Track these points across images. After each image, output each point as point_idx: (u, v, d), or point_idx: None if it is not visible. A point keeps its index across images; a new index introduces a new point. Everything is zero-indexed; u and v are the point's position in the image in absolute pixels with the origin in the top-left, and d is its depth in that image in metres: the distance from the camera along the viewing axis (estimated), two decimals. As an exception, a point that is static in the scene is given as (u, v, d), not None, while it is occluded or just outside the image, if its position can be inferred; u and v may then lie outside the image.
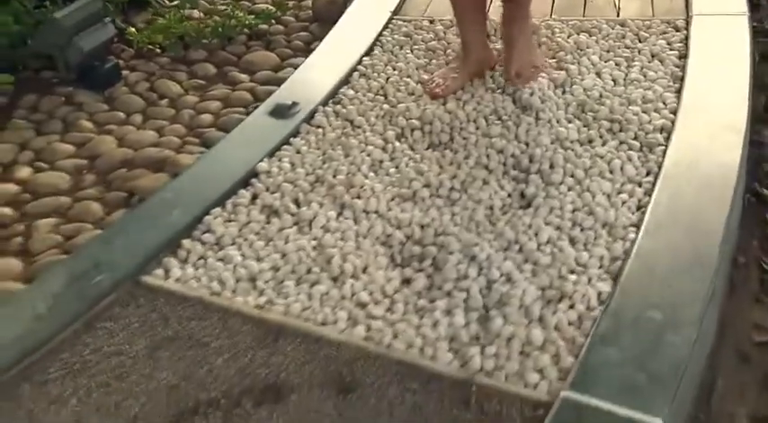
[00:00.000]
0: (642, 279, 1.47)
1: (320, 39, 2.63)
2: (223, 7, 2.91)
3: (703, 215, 1.59)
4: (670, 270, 1.47)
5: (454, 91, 2.14)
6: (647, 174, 1.79)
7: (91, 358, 1.50)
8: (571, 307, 1.48)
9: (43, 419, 1.37)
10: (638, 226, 1.63)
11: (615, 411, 1.23)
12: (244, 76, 2.64)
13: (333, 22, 2.75)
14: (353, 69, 2.31)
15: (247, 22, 2.77)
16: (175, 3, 2.87)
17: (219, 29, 2.74)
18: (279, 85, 2.35)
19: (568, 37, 2.32)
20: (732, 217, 1.61)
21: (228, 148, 2.05)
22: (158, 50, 2.80)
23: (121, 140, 2.33)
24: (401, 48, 2.42)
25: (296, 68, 2.45)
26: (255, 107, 2.30)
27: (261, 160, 1.97)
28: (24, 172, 2.20)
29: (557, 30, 2.37)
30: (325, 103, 2.19)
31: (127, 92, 2.58)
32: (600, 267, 1.55)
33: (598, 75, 2.17)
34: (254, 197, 1.87)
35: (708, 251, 1.50)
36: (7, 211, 2.05)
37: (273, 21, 2.89)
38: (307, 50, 2.70)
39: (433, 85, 2.17)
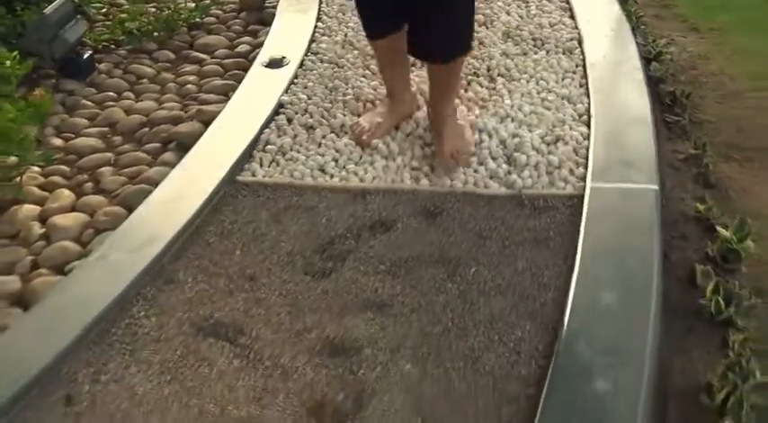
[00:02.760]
0: (606, 115, 2.16)
1: (254, 23, 3.16)
2: (163, 3, 3.34)
3: (622, 76, 2.34)
4: (616, 98, 2.18)
5: (380, 136, 2.18)
6: (577, 66, 2.51)
7: (232, 226, 1.95)
8: (566, 144, 2.14)
9: (220, 263, 1.81)
10: (587, 94, 2.33)
11: (638, 185, 1.88)
12: (205, 56, 3.08)
13: (258, 8, 3.28)
14: (314, 31, 2.84)
15: (186, 15, 3.23)
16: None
17: (164, 22, 3.17)
18: (245, 58, 2.84)
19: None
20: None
21: (247, 94, 2.52)
22: (113, 46, 3.17)
23: (128, 111, 2.70)
24: (344, 14, 2.99)
25: (256, 39, 2.96)
26: (232, 74, 2.79)
27: (281, 96, 2.46)
28: (57, 141, 2.51)
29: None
30: (306, 53, 2.71)
31: (106, 78, 2.94)
32: (573, 120, 2.23)
33: (508, 13, 2.87)
34: (290, 120, 2.37)
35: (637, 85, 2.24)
36: (63, 167, 2.38)
37: (204, 15, 3.36)
38: (247, 33, 3.20)
39: (358, 130, 2.21)
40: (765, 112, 2.55)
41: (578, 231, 1.79)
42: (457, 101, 2.28)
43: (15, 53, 2.24)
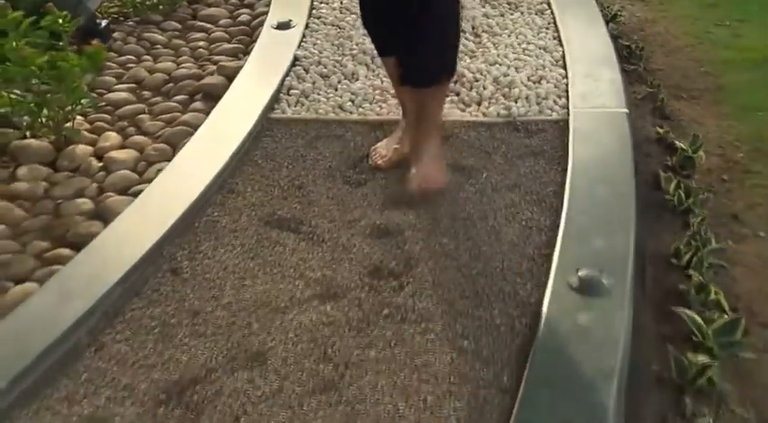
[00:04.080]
0: (579, 60, 2.61)
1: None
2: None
3: (589, 31, 2.79)
4: (585, 47, 2.63)
5: (396, 162, 2.19)
6: (549, 23, 2.96)
7: (275, 151, 2.33)
8: (548, 82, 2.58)
9: (271, 177, 2.17)
10: (560, 45, 2.78)
11: (611, 109, 2.33)
12: (210, 25, 3.44)
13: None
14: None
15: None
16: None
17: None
18: (247, 26, 3.22)
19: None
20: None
21: (263, 51, 2.89)
22: (121, 18, 3.51)
23: (150, 70, 3.04)
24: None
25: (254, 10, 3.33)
26: (239, 39, 3.16)
27: (296, 51, 2.85)
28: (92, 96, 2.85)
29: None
30: (309, 17, 3.11)
31: (122, 45, 3.27)
32: (552, 64, 2.68)
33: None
34: (306, 70, 2.76)
35: (602, 38, 2.70)
36: (105, 115, 2.72)
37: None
38: (245, 5, 3.55)
39: (376, 156, 2.23)
40: (705, 63, 3.05)
41: (567, 145, 2.22)
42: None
43: (65, 12, 2.56)
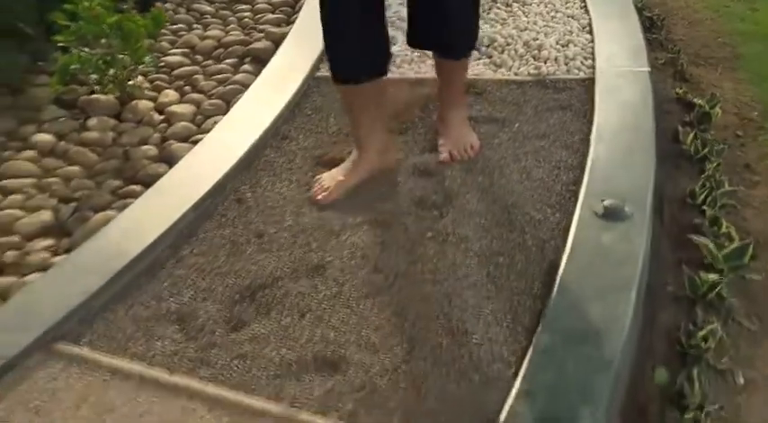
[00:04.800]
0: (604, 27, 2.82)
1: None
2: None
3: (614, 1, 2.99)
4: (611, 16, 2.84)
5: (338, 196, 2.05)
6: (575, -5, 3.18)
7: (322, 104, 2.56)
8: (575, 45, 2.80)
9: (321, 125, 2.40)
10: (587, 13, 3.00)
11: (634, 69, 2.54)
12: (254, -3, 3.68)
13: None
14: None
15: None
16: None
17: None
18: None
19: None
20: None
21: (308, 18, 3.12)
22: (169, -10, 3.74)
23: (201, 38, 3.29)
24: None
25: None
26: (282, 11, 3.39)
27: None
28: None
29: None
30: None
31: (173, 14, 3.51)
32: (579, 31, 2.90)
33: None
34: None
35: (627, 7, 2.90)
36: (162, 75, 2.97)
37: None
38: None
39: (316, 187, 2.08)
40: (723, 34, 3.25)
41: (593, 100, 2.44)
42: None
43: (128, -23, 2.81)
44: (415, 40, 2.10)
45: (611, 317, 1.62)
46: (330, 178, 2.09)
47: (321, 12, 1.93)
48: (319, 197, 2.05)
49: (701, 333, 1.71)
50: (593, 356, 1.51)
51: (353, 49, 1.96)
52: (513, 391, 1.46)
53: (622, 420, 1.53)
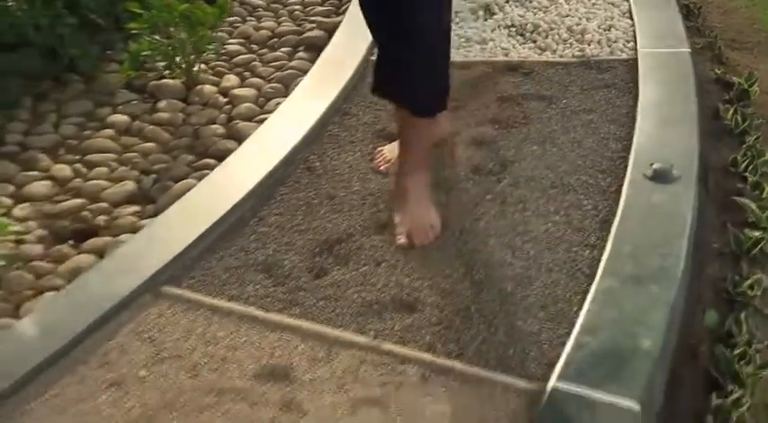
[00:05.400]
0: (644, 13, 2.98)
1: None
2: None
3: None
4: (650, 3, 3.00)
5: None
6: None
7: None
8: (617, 29, 2.96)
9: (380, 102, 2.57)
10: (626, 1, 3.16)
11: (675, 50, 2.70)
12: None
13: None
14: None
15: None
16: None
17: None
18: None
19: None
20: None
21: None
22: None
23: (256, 28, 3.48)
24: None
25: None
26: (331, 3, 3.57)
27: None
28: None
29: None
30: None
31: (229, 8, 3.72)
32: (619, 16, 3.06)
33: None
34: None
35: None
36: (222, 62, 3.17)
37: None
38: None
39: (380, 159, 2.20)
40: (757, 21, 3.40)
41: (637, 78, 2.60)
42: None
43: (195, -33, 3.02)
44: (378, 90, 1.99)
45: (663, 266, 1.78)
46: (391, 150, 2.20)
47: None
48: (382, 168, 2.20)
49: (747, 282, 1.87)
50: (649, 297, 1.67)
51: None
52: (578, 326, 1.62)
53: (675, 359, 1.68)
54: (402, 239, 1.91)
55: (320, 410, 1.47)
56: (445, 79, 1.92)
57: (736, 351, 1.68)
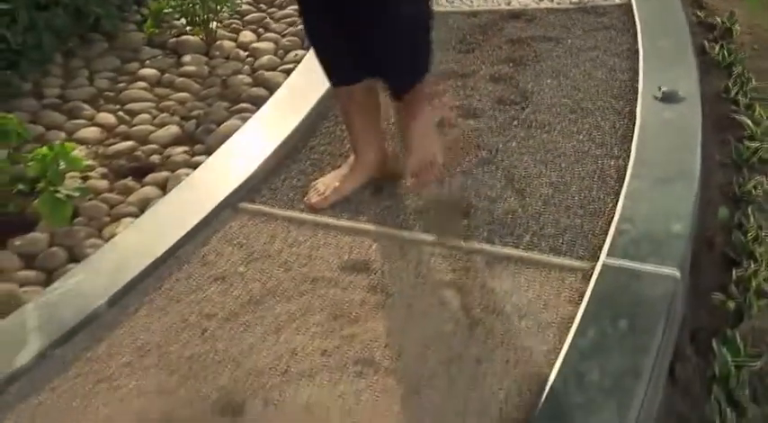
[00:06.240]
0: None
1: None
2: None
3: None
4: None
5: (333, 201, 2.02)
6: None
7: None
8: None
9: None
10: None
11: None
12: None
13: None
14: None
15: None
16: None
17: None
18: None
19: None
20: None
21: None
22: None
23: None
24: None
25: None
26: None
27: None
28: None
29: None
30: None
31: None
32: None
33: None
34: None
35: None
36: (235, 20, 3.37)
37: None
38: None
39: (311, 192, 2.06)
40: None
41: (633, 20, 2.88)
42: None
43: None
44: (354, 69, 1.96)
45: (682, 169, 2.06)
46: (325, 183, 2.07)
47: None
48: (314, 200, 2.03)
49: (751, 183, 2.16)
50: (674, 193, 1.94)
51: (337, 57, 1.96)
52: (616, 218, 1.88)
53: (696, 247, 1.96)
54: (410, 179, 1.99)
55: (404, 292, 1.71)
56: (419, 53, 1.92)
57: (749, 235, 1.96)
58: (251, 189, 2.07)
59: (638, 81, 2.47)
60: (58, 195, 2.01)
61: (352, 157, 2.11)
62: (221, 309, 1.66)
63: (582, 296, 1.66)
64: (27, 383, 1.50)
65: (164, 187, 2.27)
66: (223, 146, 2.27)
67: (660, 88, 2.34)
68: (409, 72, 1.92)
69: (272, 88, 2.75)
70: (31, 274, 1.91)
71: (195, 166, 2.32)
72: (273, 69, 2.94)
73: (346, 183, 2.05)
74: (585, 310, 1.60)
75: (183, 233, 1.87)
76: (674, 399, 1.62)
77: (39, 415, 1.44)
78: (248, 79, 2.89)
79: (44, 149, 2.07)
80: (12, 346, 1.55)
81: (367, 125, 2.05)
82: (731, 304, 1.80)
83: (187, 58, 3.02)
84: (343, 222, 1.92)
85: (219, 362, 1.53)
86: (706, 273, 1.93)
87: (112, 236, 2.00)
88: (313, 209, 2.00)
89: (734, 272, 1.88)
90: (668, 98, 2.32)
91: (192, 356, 1.55)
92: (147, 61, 3.00)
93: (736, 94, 2.58)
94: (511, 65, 2.68)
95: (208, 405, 1.45)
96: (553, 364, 1.50)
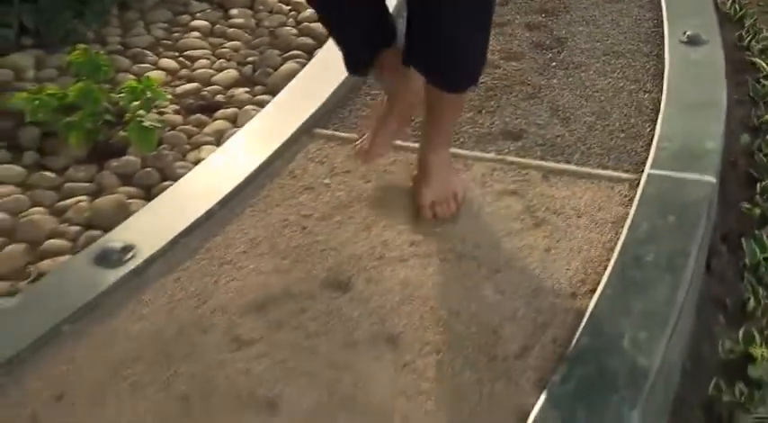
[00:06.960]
0: None
1: None
2: None
3: None
4: None
5: (384, 152, 2.04)
6: None
7: None
8: None
9: None
10: None
11: None
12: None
13: None
14: None
15: None
16: None
17: None
18: None
19: None
20: None
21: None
22: None
23: None
24: None
25: None
26: None
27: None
28: None
29: None
30: None
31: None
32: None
33: None
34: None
35: None
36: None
37: None
38: None
39: (358, 147, 2.03)
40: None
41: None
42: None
43: None
44: (409, 60, 1.80)
45: (712, 98, 2.32)
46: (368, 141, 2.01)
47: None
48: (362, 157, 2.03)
49: (768, 115, 2.43)
50: (706, 117, 2.21)
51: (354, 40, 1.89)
52: (656, 138, 2.15)
53: (722, 169, 2.23)
54: (427, 211, 1.87)
55: (473, 199, 1.97)
56: (482, 52, 1.78)
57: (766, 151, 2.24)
58: (322, 118, 2.31)
59: (662, 28, 2.73)
60: (145, 124, 2.24)
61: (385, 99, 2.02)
62: (315, 211, 1.91)
63: (632, 200, 1.92)
64: (163, 265, 1.75)
65: (234, 121, 2.50)
66: (287, 86, 2.50)
67: (685, 33, 2.61)
68: (480, 62, 1.79)
69: (318, 38, 2.98)
70: (131, 189, 2.14)
71: (260, 103, 2.55)
72: (317, 21, 3.16)
73: (388, 125, 1.97)
74: (637, 210, 1.86)
75: (270, 153, 2.11)
76: (710, 284, 1.89)
77: (177, 289, 1.68)
78: (294, 30, 3.12)
79: (133, 82, 2.29)
80: (146, 236, 1.80)
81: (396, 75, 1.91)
82: (757, 211, 2.07)
83: (234, 11, 3.24)
84: (411, 144, 2.17)
85: (322, 250, 1.78)
86: (732, 188, 2.20)
87: (198, 160, 2.23)
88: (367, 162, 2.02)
89: (758, 184, 2.14)
90: (693, 41, 2.58)
91: (297, 246, 1.79)
92: (198, 14, 3.22)
93: (750, 40, 2.85)
94: (543, 15, 2.94)
95: (319, 282, 1.69)
96: (613, 249, 1.76)
